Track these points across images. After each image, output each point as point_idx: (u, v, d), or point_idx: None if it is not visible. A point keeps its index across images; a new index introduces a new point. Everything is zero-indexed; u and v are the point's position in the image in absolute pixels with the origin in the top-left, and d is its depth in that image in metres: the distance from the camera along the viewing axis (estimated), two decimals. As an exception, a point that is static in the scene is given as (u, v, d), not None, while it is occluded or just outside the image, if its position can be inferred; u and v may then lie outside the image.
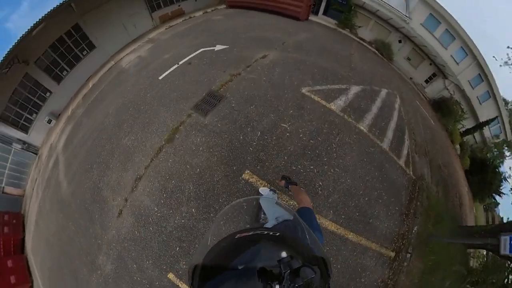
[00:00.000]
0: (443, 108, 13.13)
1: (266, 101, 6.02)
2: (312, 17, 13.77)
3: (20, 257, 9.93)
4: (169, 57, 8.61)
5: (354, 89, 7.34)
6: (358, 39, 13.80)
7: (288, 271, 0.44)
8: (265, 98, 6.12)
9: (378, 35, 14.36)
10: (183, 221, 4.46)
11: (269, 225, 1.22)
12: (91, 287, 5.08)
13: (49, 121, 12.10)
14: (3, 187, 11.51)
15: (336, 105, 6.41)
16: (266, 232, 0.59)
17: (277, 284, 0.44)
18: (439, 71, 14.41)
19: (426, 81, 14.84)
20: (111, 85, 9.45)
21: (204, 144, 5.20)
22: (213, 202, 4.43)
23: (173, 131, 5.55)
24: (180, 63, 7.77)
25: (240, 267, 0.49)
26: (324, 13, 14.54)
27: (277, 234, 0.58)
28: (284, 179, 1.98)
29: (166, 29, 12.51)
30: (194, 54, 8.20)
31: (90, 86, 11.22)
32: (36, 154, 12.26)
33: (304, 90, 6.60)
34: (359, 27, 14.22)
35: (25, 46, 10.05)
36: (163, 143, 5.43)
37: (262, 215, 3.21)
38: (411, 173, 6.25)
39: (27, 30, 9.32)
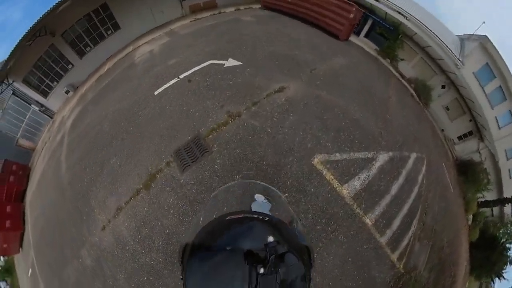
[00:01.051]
0: (469, 173, 11.76)
1: (259, 172, 4.70)
2: (352, 38, 12.46)
3: (18, 205, 11.11)
4: (174, 63, 8.24)
5: (381, 159, 5.76)
6: (397, 74, 12.45)
7: (274, 255, 0.47)
8: (258, 167, 4.78)
9: (421, 74, 12.79)
10: (152, 262, 4.77)
11: None
12: (72, 268, 5.83)
13: (67, 92, 12.80)
14: (18, 139, 12.83)
15: (350, 188, 5.00)
16: (256, 216, 0.62)
17: (261, 267, 0.47)
18: (477, 130, 12.73)
19: (460, 138, 13.24)
20: (119, 77, 9.70)
21: (176, 208, 4.86)
22: (178, 263, 4.46)
23: (151, 177, 5.30)
24: (181, 76, 7.25)
25: (228, 248, 0.52)
26: (366, 36, 13.12)
27: (266, 219, 0.61)
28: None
29: (191, 21, 12.20)
30: (199, 67, 7.48)
31: (106, 69, 11.48)
32: (51, 118, 13.32)
33: (316, 160, 5.06)
34: (402, 59, 12.71)
35: (53, 19, 10.39)
36: (141, 186, 5.33)
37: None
38: (401, 266, 5.67)
39: (53, 5, 9.53)
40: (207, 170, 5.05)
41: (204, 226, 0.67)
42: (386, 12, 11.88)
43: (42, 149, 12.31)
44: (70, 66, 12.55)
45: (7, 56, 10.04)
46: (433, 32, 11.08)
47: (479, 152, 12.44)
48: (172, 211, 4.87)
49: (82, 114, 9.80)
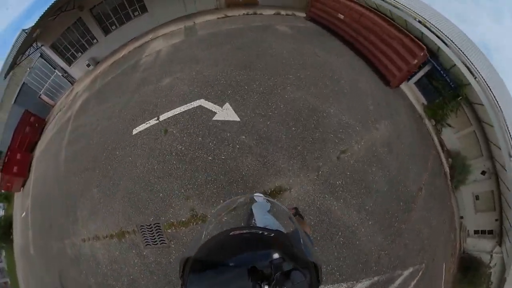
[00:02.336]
0: (469, 272, 9.82)
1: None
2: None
3: (28, 155, 12.56)
4: (164, 86, 7.05)
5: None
6: (437, 142, 10.10)
7: (279, 273, 0.44)
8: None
9: (465, 150, 10.20)
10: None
11: None
12: (55, 244, 6.57)
13: (88, 65, 13.14)
14: (41, 94, 14.22)
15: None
16: (260, 232, 0.59)
17: (266, 284, 0.44)
18: (499, 233, 10.21)
19: (476, 232, 10.81)
20: (120, 79, 9.34)
21: (138, 276, 4.72)
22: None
23: (121, 233, 5.12)
24: (160, 118, 6.03)
25: (231, 264, 0.49)
26: (417, 82, 10.57)
27: (271, 235, 0.58)
28: (295, 210, 1.96)
29: (218, 18, 10.91)
30: (184, 108, 5.89)
31: (121, 55, 11.23)
32: (72, 84, 14.14)
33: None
34: (449, 126, 10.17)
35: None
36: (114, 234, 5.21)
37: (253, 221, 3.10)
38: None
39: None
40: (164, 259, 4.64)
41: (206, 241, 0.60)
42: (455, 64, 9.16)
43: (56, 114, 13.13)
44: (94, 41, 12.69)
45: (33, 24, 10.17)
46: (502, 110, 8.40)
47: (491, 255, 10.11)
48: (136, 268, 4.85)
49: (86, 105, 10.10)
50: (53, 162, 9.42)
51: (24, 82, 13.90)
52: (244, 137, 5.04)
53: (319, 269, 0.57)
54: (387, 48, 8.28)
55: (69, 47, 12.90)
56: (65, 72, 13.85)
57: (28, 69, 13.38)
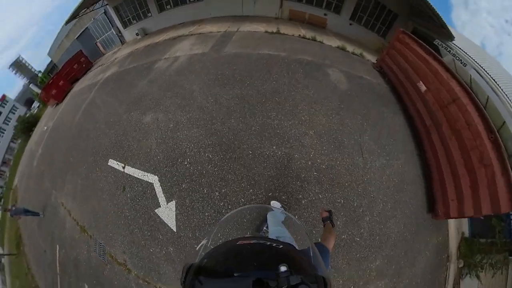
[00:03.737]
0: None
1: None
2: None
3: (68, 85, 14.98)
4: (144, 124, 6.04)
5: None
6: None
7: (285, 286, 0.42)
8: None
9: None
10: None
11: None
12: (65, 177, 7.35)
13: (137, 34, 13.48)
14: (97, 41, 16.37)
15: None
16: (269, 243, 0.57)
17: None
18: None
19: None
20: (137, 73, 9.01)
21: None
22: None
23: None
24: (125, 170, 5.21)
25: (236, 274, 0.47)
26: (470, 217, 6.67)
27: (280, 247, 0.56)
28: (329, 213, 1.81)
29: (267, 32, 8.93)
30: (141, 175, 4.94)
31: (158, 40, 10.62)
32: (122, 43, 15.38)
33: None
34: (477, 278, 6.19)
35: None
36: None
37: (265, 228, 3.13)
38: None
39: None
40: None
41: (213, 249, 0.59)
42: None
43: (98, 67, 14.08)
44: (149, 14, 12.94)
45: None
46: None
47: None
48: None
49: (107, 82, 10.38)
50: (71, 114, 10.67)
51: (87, 27, 16.11)
52: (171, 249, 3.92)
53: (329, 284, 0.51)
54: (470, 172, 4.90)
55: (128, 13, 13.26)
56: (119, 32, 14.73)
57: (92, 18, 15.06)
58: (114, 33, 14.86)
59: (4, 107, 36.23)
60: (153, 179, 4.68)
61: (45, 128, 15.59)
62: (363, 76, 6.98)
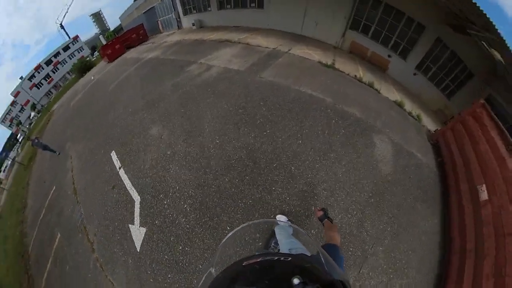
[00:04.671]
0: None
1: None
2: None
3: (122, 49, 17.60)
4: (148, 136, 5.93)
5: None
6: None
7: None
8: None
9: None
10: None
11: None
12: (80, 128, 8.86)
13: (193, 24, 13.62)
14: (158, 20, 18.23)
15: None
16: (276, 258, 0.56)
17: None
18: None
19: None
20: (169, 70, 8.96)
21: None
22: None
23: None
24: (120, 173, 5.40)
25: None
26: None
27: (288, 259, 0.55)
28: (324, 211, 1.83)
29: (320, 63, 7.71)
30: (129, 186, 4.96)
31: (208, 38, 10.55)
32: (178, 28, 16.50)
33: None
34: None
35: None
36: None
37: (273, 243, 3.08)
38: None
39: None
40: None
41: (217, 276, 0.57)
42: None
43: (150, 43, 15.63)
44: (209, 9, 12.96)
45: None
46: None
47: None
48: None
49: (145, 66, 10.73)
50: (110, 80, 11.80)
51: (154, 6, 17.51)
52: (130, 261, 3.94)
53: (347, 285, 0.51)
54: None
55: (191, 2, 13.56)
56: (179, 17, 15.30)
57: (160, 0, 16.22)
58: (174, 17, 15.44)
59: (74, 44, 44.66)
60: (136, 198, 4.60)
61: (92, 78, 18.71)
62: (413, 153, 5.52)
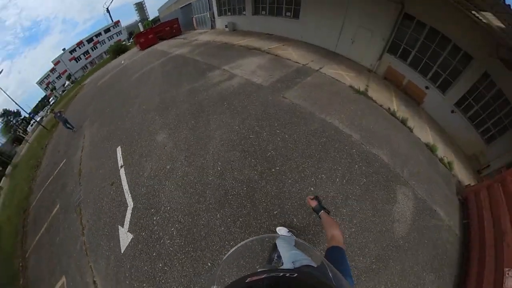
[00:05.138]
0: None
1: None
2: None
3: (154, 40, 19.64)
4: (155, 142, 5.79)
5: None
6: None
7: None
8: None
9: None
10: None
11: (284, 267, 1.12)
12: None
13: (226, 26, 13.84)
14: (193, 17, 18.89)
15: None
16: (281, 274, 0.53)
17: None
18: None
19: None
20: (198, 72, 8.89)
21: None
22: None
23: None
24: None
25: None
26: None
27: (294, 275, 0.52)
28: (317, 200, 1.62)
29: (351, 88, 7.01)
30: (126, 189, 4.97)
31: (238, 44, 10.45)
32: (211, 28, 16.82)
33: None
34: None
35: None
36: None
37: (276, 257, 2.95)
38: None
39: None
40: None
41: None
42: None
43: (181, 38, 16.34)
44: (243, 13, 12.80)
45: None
46: None
47: None
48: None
49: (169, 63, 10.89)
50: (136, 68, 12.43)
51: (191, 3, 17.95)
52: (113, 257, 4.06)
53: None
54: None
55: (226, 3, 13.57)
56: (213, 17, 15.33)
57: None
58: (208, 16, 15.58)
59: (114, 28, 50.16)
60: (130, 203, 4.54)
61: (122, 62, 19.83)
62: (436, 211, 4.80)
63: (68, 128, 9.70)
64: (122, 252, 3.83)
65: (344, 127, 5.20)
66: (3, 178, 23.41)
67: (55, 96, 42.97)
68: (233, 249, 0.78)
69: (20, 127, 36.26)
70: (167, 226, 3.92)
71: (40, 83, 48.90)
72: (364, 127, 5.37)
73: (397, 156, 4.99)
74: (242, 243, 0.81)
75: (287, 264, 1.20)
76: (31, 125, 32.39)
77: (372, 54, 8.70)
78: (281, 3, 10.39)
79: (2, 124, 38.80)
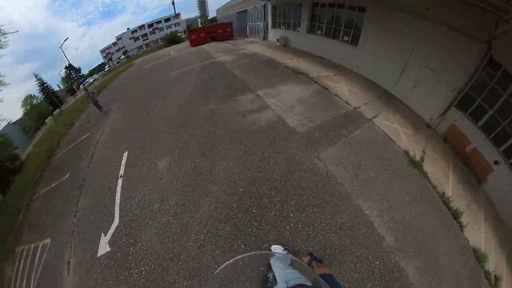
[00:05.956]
0: None
1: None
2: None
3: (205, 39, 20.55)
4: (157, 170, 5.31)
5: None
6: None
7: None
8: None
9: None
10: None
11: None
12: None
13: (278, 40, 13.67)
14: (247, 24, 19.22)
15: None
16: None
17: None
18: None
19: None
20: (228, 92, 8.74)
21: None
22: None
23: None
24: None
25: None
26: None
27: None
28: (310, 255, 1.82)
29: (408, 160, 5.43)
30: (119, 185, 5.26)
31: (283, 63, 10.04)
32: (262, 39, 16.93)
33: None
34: None
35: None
36: None
37: (271, 277, 3.06)
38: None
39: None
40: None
41: None
42: None
43: (229, 44, 16.86)
44: (298, 29, 12.46)
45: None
46: None
47: None
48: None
49: (205, 71, 10.98)
50: (176, 66, 12.79)
51: (247, 10, 18.03)
52: (89, 255, 4.14)
53: None
54: None
55: (282, 16, 13.24)
56: (266, 28, 15.05)
57: (254, 6, 16.40)
58: (262, 26, 15.36)
59: (174, 19, 57.04)
60: (116, 219, 4.40)
61: (171, 53, 20.39)
62: None
63: (98, 108, 10.32)
64: (97, 256, 3.89)
65: (380, 225, 3.69)
66: (50, 117, 27.48)
67: (109, 66, 48.86)
68: (224, 265, 0.72)
69: (76, 81, 41.65)
70: (139, 263, 3.57)
71: (102, 51, 57.82)
72: (405, 224, 3.92)
73: (429, 271, 3.57)
74: (233, 259, 0.75)
75: (280, 283, 1.18)
76: (83, 84, 37.22)
77: (436, 105, 7.24)
78: (340, 25, 9.50)
79: (65, 75, 45.24)
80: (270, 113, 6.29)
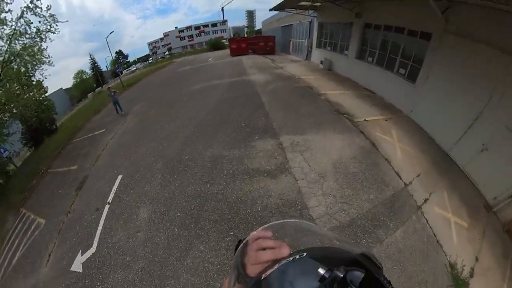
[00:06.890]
0: None
1: None
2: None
3: (246, 50, 20.83)
4: (149, 189, 5.32)
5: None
6: None
7: (335, 283, 0.39)
8: None
9: None
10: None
11: None
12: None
13: (321, 62, 12.96)
14: (291, 40, 18.60)
15: None
16: (292, 258, 0.51)
17: None
18: None
19: None
20: (252, 125, 8.06)
21: None
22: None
23: None
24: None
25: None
26: None
27: (303, 255, 0.51)
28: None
29: (455, 278, 3.52)
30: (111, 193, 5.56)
31: (324, 94, 9.11)
32: (305, 59, 16.75)
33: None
34: None
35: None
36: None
37: None
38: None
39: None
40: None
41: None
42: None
43: (269, 59, 16.50)
44: (345, 52, 11.43)
45: None
46: None
47: None
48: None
49: (231, 89, 10.73)
50: (208, 75, 13.00)
51: (292, 25, 17.17)
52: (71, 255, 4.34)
53: (371, 255, 0.50)
54: None
55: (328, 36, 12.25)
56: (310, 47, 14.16)
57: (299, 21, 15.55)
58: (306, 45, 14.40)
59: (221, 25, 59.96)
60: (94, 245, 4.30)
61: (209, 59, 19.97)
62: None
63: (116, 108, 10.43)
64: (70, 269, 3.96)
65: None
66: (91, 93, 30.79)
67: (152, 59, 52.87)
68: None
69: (122, 66, 45.93)
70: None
71: (149, 44, 63.22)
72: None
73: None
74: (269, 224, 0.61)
75: None
76: (128, 70, 41.24)
77: (508, 181, 5.29)
78: (396, 54, 7.97)
79: (114, 58, 50.63)
80: (288, 183, 4.52)
